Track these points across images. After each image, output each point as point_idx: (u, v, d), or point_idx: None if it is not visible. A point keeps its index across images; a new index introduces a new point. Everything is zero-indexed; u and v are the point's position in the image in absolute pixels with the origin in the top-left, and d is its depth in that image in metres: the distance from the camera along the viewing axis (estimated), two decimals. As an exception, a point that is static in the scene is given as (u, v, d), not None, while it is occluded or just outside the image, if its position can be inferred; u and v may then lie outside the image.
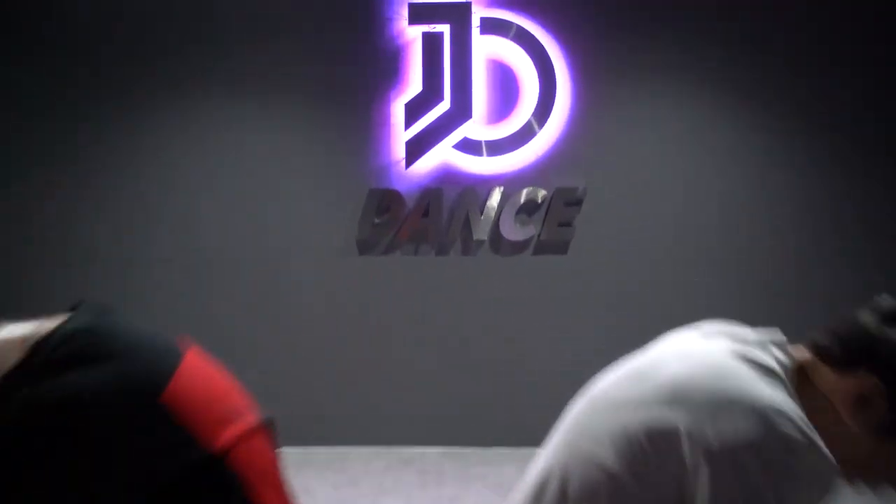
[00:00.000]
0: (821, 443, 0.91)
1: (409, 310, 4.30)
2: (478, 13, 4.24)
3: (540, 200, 4.22)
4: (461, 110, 4.21)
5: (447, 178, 4.26)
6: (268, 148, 4.34)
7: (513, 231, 4.23)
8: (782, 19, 4.27)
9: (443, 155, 4.25)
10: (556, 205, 4.22)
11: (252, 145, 4.34)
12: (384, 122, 4.28)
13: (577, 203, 4.23)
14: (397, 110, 4.26)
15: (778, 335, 1.05)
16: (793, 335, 1.07)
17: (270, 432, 0.71)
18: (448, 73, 4.21)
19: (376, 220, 4.25)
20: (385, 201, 4.24)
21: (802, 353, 1.03)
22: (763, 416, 0.91)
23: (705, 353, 1.02)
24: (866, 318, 0.98)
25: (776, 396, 0.94)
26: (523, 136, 4.23)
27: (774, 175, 4.28)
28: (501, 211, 4.21)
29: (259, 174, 4.34)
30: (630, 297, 4.26)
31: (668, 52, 4.27)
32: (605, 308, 4.27)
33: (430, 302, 4.30)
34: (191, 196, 4.35)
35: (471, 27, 4.22)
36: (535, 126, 4.23)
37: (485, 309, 4.28)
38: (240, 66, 4.32)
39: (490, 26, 4.24)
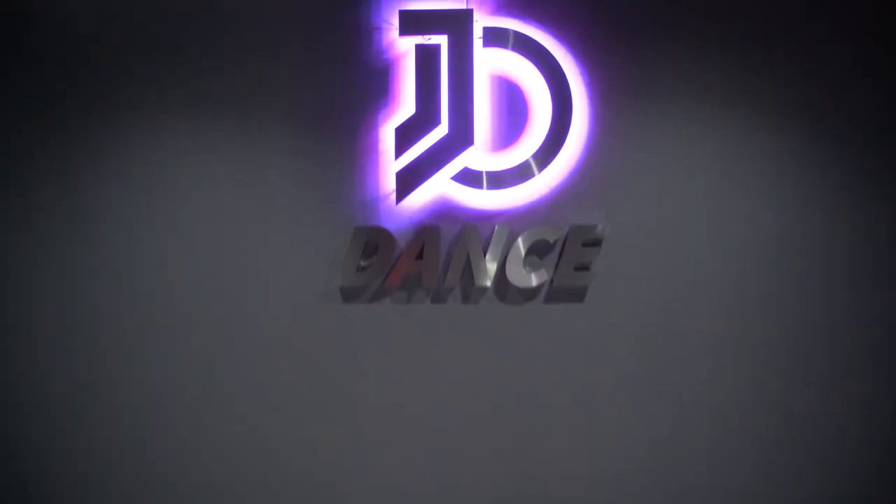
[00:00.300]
0: None
1: (400, 367, 3.78)
2: (480, 22, 3.72)
3: (552, 240, 3.72)
4: (461, 135, 3.69)
5: (445, 214, 3.75)
6: (235, 179, 3.80)
7: (521, 276, 3.71)
8: (829, 32, 3.75)
9: (440, 187, 3.74)
10: (571, 245, 3.71)
11: (218, 176, 3.80)
12: (371, 149, 3.77)
13: (596, 243, 3.71)
14: (387, 136, 3.74)
15: None
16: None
17: None
18: (446, 91, 3.69)
19: (362, 264, 3.74)
20: (372, 241, 3.72)
21: None
22: None
23: None
24: None
25: None
26: (533, 165, 3.72)
27: (823, 209, 3.76)
28: (508, 252, 3.71)
29: (225, 209, 3.80)
30: (658, 352, 3.75)
31: (703, 69, 3.75)
32: (628, 365, 3.75)
33: (425, 357, 3.78)
34: (142, 236, 3.81)
35: (472, 38, 3.70)
36: (547, 155, 3.71)
37: (489, 365, 3.77)
38: (205, 85, 3.78)
39: (494, 37, 3.72)
